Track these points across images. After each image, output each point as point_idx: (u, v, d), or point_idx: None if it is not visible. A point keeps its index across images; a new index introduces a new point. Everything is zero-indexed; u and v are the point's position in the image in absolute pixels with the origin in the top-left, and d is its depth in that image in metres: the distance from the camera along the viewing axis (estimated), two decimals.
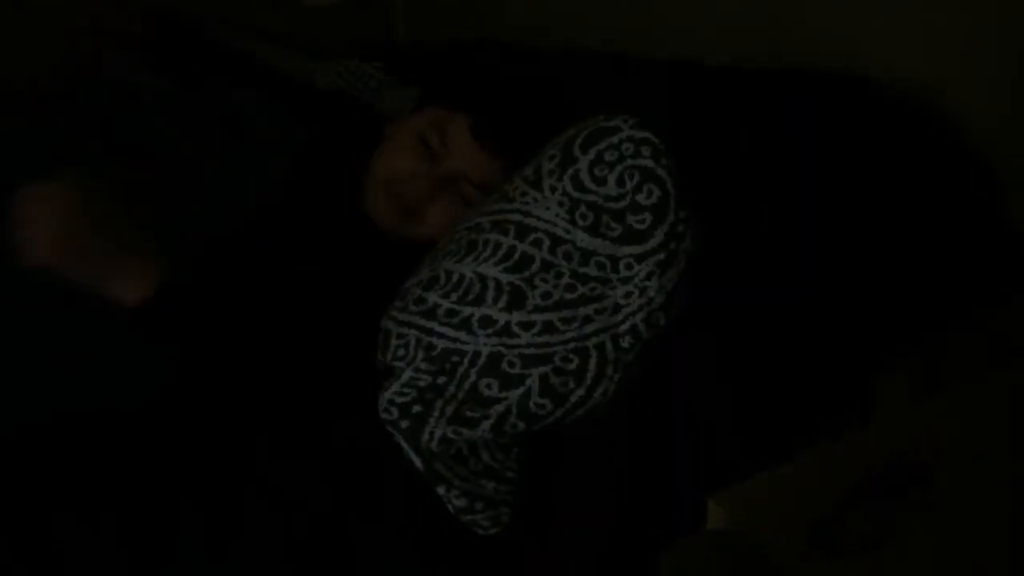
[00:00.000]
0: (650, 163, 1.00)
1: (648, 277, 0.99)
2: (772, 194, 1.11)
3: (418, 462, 0.99)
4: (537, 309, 0.99)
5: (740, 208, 1.09)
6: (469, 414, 0.98)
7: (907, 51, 1.21)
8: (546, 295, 0.99)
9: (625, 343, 0.99)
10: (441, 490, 0.99)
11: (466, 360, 0.99)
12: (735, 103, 1.21)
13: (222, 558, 0.97)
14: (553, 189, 1.03)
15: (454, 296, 1.01)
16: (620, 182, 1.01)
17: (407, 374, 1.00)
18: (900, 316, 1.13)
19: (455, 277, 1.02)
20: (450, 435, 0.98)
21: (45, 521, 0.95)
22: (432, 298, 1.02)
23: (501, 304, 0.99)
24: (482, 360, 0.99)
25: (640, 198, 1.00)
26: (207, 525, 0.98)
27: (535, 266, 1.00)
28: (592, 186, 1.01)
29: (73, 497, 0.97)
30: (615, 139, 1.02)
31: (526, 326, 0.99)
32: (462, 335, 1.00)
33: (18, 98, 1.30)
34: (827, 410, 1.06)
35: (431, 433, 0.98)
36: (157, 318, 1.03)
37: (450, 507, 0.99)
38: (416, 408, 0.99)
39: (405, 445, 0.99)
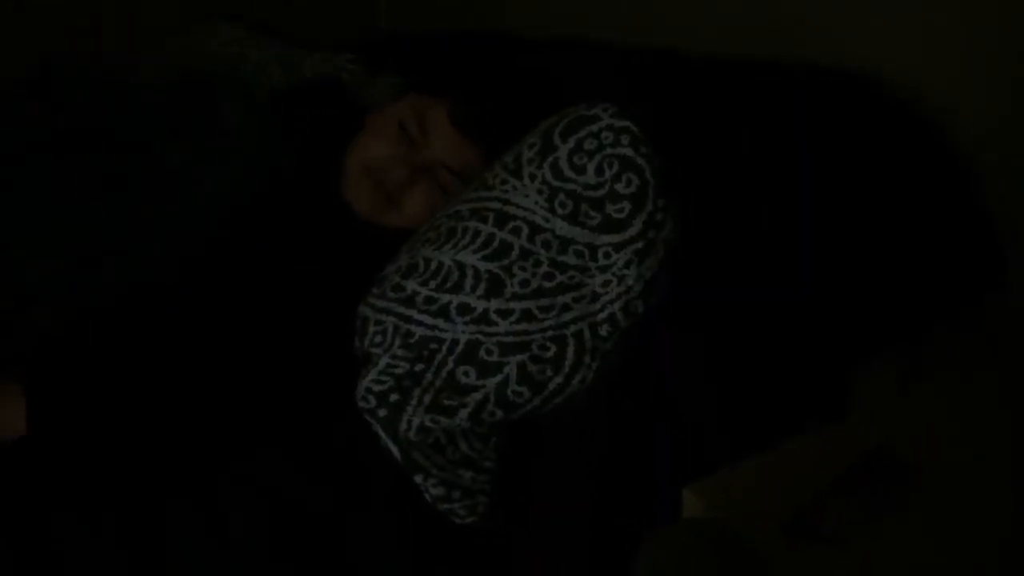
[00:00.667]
0: (629, 152, 1.00)
1: (626, 265, 0.99)
2: (772, 194, 1.10)
3: (395, 451, 0.98)
4: (515, 297, 0.99)
5: (740, 207, 1.09)
6: (447, 402, 0.98)
7: (906, 50, 1.21)
8: (524, 283, 0.99)
9: (603, 331, 0.99)
10: (419, 479, 0.99)
11: (444, 348, 0.99)
12: (735, 102, 1.21)
13: (218, 556, 0.97)
14: (532, 177, 1.03)
15: (432, 284, 1.01)
16: (599, 171, 1.00)
17: (384, 361, 1.00)
18: (891, 313, 1.13)
19: (433, 265, 1.02)
20: (428, 424, 0.98)
21: (45, 521, 0.94)
22: (411, 286, 1.02)
23: (479, 292, 0.99)
24: (460, 348, 0.98)
25: (619, 187, 1.00)
26: (205, 524, 0.97)
27: (514, 254, 1.00)
28: (571, 174, 1.01)
29: (73, 497, 0.96)
30: (595, 127, 1.01)
31: (504, 314, 0.98)
32: (440, 322, 0.99)
33: (12, 95, 1.29)
34: (812, 406, 1.05)
35: (409, 422, 0.98)
36: (53, 427, 0.99)
37: (427, 496, 0.99)
38: (394, 396, 0.98)
39: (383, 434, 0.98)
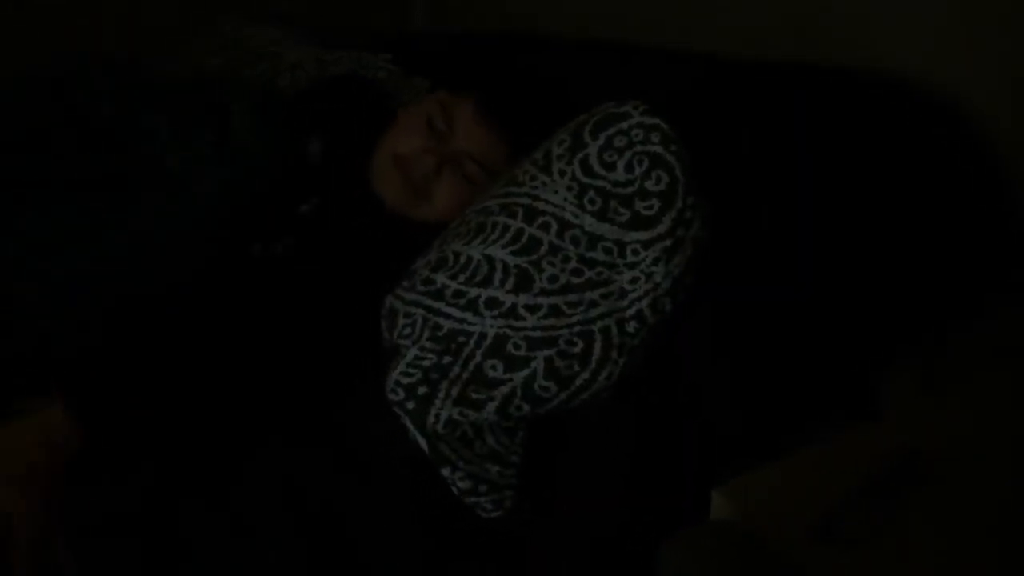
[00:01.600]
0: (659, 149, 1.00)
1: (655, 263, 0.99)
2: (772, 194, 1.10)
3: (423, 443, 0.99)
4: (543, 292, 0.99)
5: (740, 207, 1.08)
6: (474, 396, 0.99)
7: (913, 47, 1.20)
8: (553, 278, 1.00)
9: (630, 328, 0.99)
10: (446, 471, 0.99)
11: (472, 341, 1.00)
12: (735, 102, 1.20)
13: (231, 545, 0.98)
14: (562, 173, 1.03)
15: (462, 277, 1.02)
16: (629, 168, 1.01)
17: (412, 352, 1.01)
18: (904, 313, 1.12)
19: (463, 259, 1.03)
20: (456, 417, 0.99)
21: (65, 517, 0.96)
22: (440, 279, 1.03)
23: (508, 286, 1.00)
24: (488, 341, 0.99)
25: (648, 184, 1.00)
26: (220, 520, 0.99)
27: (543, 249, 1.01)
28: (601, 171, 1.02)
29: (86, 487, 0.98)
30: (625, 125, 1.02)
31: (532, 309, 0.99)
32: (468, 316, 1.00)
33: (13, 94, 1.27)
34: (830, 402, 1.05)
35: (437, 415, 0.99)
36: (105, 427, 0.99)
37: (454, 488, 1.00)
38: (422, 389, 0.99)
39: (411, 426, 0.99)
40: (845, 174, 1.12)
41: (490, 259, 1.01)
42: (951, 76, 1.18)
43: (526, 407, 1.00)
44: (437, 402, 0.99)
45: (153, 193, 1.16)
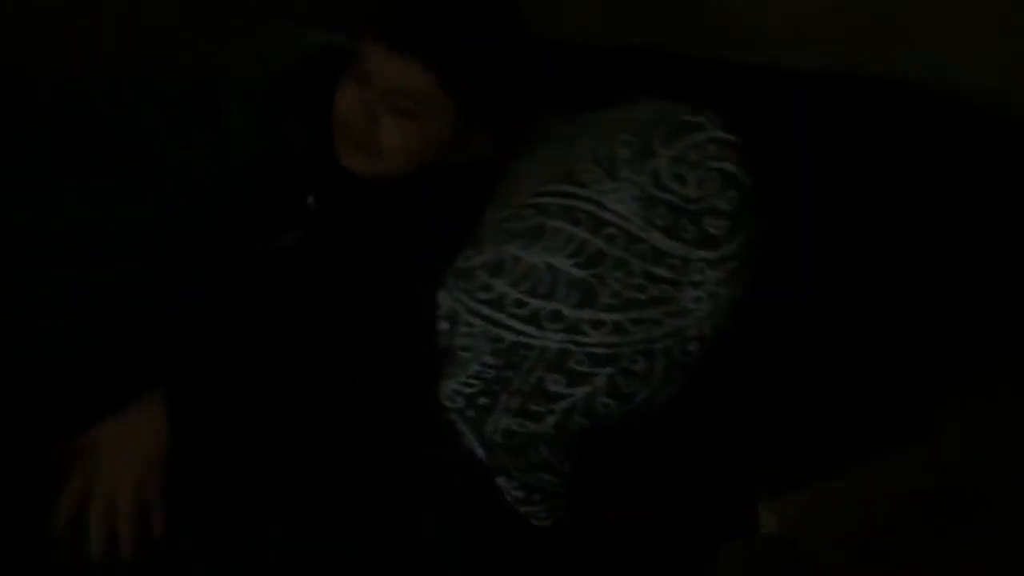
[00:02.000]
0: (734, 168, 0.98)
1: (720, 283, 0.99)
2: (772, 195, 1.10)
3: (480, 451, 0.99)
4: (607, 308, 0.98)
5: None
6: (534, 408, 0.99)
7: (913, 47, 1.19)
8: (616, 294, 0.98)
9: (692, 347, 1.00)
10: (501, 480, 1.00)
11: (533, 355, 0.99)
12: (735, 103, 1.18)
13: (294, 530, 0.99)
14: (630, 182, 1.00)
15: (523, 287, 0.99)
16: (700, 184, 0.98)
17: (474, 367, 0.99)
18: (906, 315, 1.15)
19: (523, 265, 1.00)
20: (514, 427, 0.99)
21: None
22: (500, 286, 1.00)
23: (572, 300, 0.98)
24: (550, 356, 0.98)
25: (720, 203, 0.98)
26: (292, 503, 1.00)
27: (608, 263, 0.99)
28: (672, 185, 0.99)
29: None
30: (699, 138, 0.99)
31: (596, 325, 0.98)
32: (531, 329, 0.99)
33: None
34: (876, 416, 1.09)
35: (495, 424, 0.99)
36: (198, 419, 0.98)
37: (508, 497, 1.01)
38: (483, 400, 0.99)
39: (468, 434, 0.99)
40: (845, 175, 1.13)
41: (553, 269, 0.99)
42: (951, 76, 1.18)
43: (584, 422, 1.00)
44: (496, 412, 0.99)
45: (154, 194, 1.13)
